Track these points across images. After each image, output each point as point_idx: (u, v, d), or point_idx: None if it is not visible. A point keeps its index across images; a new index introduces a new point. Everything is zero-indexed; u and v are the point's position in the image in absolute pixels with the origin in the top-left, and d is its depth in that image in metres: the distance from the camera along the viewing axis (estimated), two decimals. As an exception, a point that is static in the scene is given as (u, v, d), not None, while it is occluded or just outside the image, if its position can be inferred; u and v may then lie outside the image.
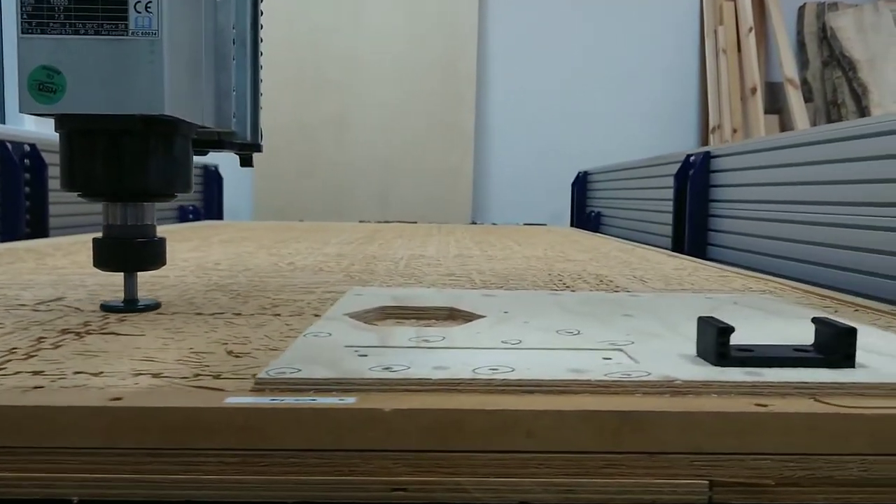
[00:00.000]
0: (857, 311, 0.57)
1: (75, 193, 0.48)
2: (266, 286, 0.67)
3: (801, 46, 2.78)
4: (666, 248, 1.44)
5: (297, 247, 1.14)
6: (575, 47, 2.90)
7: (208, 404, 0.29)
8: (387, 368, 0.32)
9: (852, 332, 0.33)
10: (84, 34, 0.42)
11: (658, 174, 1.58)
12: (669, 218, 1.44)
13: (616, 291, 0.65)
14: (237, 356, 0.38)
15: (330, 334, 0.40)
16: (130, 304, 0.51)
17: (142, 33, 0.42)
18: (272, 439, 0.28)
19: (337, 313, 0.47)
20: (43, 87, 0.42)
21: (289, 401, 0.29)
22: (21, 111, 0.43)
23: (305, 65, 2.78)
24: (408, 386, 0.31)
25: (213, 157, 2.62)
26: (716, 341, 0.33)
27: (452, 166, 2.79)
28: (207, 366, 0.36)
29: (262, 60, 0.58)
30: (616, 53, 2.89)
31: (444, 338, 0.40)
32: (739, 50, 2.68)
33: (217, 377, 0.34)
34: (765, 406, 0.29)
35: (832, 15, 2.69)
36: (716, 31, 2.73)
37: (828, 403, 0.30)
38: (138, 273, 0.52)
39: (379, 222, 2.34)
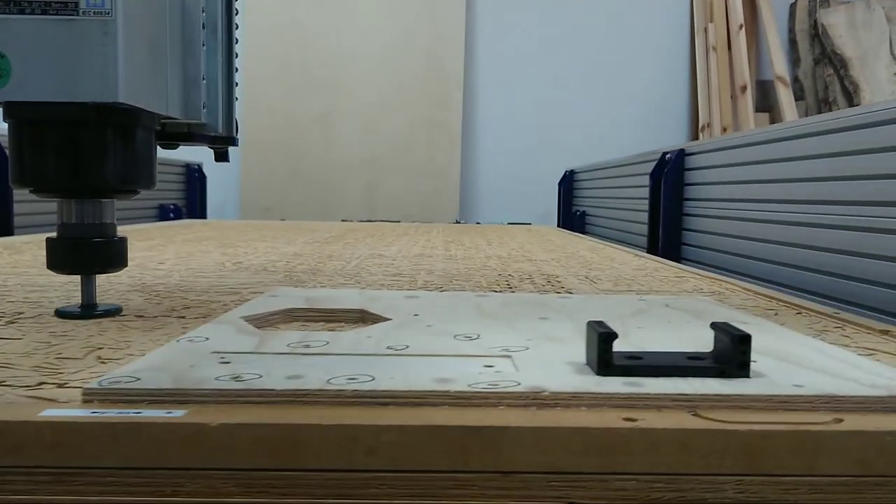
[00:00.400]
0: (798, 314, 0.54)
1: (26, 190, 0.44)
2: (194, 287, 0.64)
3: (792, 44, 2.75)
4: (643, 248, 1.42)
5: (258, 245, 1.12)
6: (564, 45, 2.87)
7: (19, 417, 0.26)
8: (235, 378, 0.30)
9: (746, 340, 0.31)
10: (30, 13, 0.38)
11: (636, 172, 1.55)
12: (647, 217, 1.41)
13: (557, 293, 0.62)
14: (103, 362, 0.36)
15: (207, 339, 0.38)
16: (88, 310, 0.47)
17: (94, 13, 0.38)
18: (87, 456, 0.26)
19: (234, 316, 0.44)
20: None
21: (110, 414, 0.26)
22: None
23: (291, 62, 2.75)
24: (249, 397, 0.28)
25: (196, 156, 2.59)
26: (598, 348, 0.31)
27: (440, 165, 2.77)
28: (61, 373, 0.33)
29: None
30: (606, 51, 2.86)
31: (327, 343, 0.37)
32: (730, 48, 2.65)
33: (62, 386, 0.31)
34: (633, 421, 0.27)
35: (824, 12, 2.66)
36: (706, 29, 2.70)
37: (705, 418, 0.27)
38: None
39: (362, 221, 2.32)
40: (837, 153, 0.83)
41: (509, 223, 2.30)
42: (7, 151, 1.18)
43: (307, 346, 0.36)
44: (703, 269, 1.18)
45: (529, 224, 2.24)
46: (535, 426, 0.26)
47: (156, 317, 0.49)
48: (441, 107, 2.76)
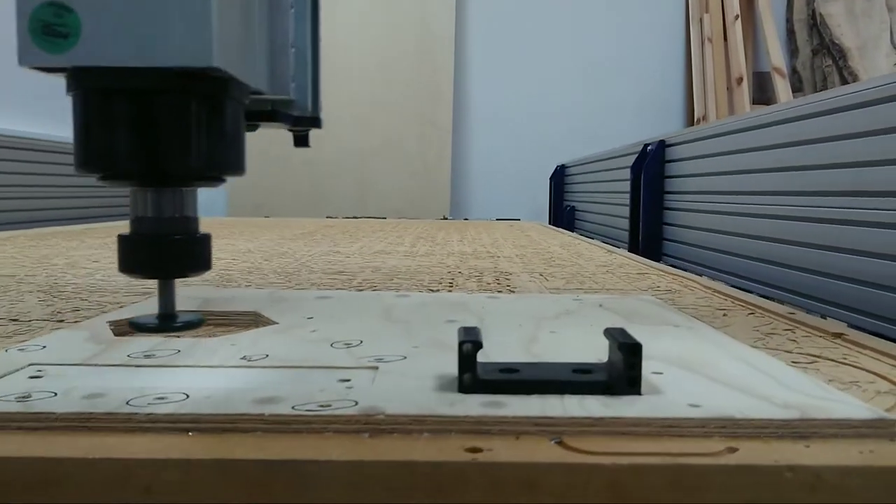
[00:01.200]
0: (751, 314, 0.49)
1: (94, 176, 0.36)
2: (106, 287, 0.60)
3: (790, 34, 2.68)
4: (626, 244, 1.37)
5: (217, 243, 1.06)
6: (557, 37, 2.81)
7: None
8: (23, 397, 0.25)
9: (636, 350, 0.26)
10: None
11: (619, 166, 1.50)
12: (628, 212, 1.36)
13: (499, 291, 0.58)
14: (-83, 375, 0.31)
15: (44, 347, 0.33)
16: (166, 322, 0.38)
17: None
18: None
19: (101, 320, 0.40)
20: (50, 30, 0.30)
21: None
22: (21, 63, 0.31)
23: (278, 57, 2.70)
24: (24, 422, 0.23)
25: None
26: (459, 360, 0.26)
27: (430, 161, 2.71)
28: None
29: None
30: (599, 43, 2.80)
31: (178, 352, 0.32)
32: (725, 38, 2.59)
33: None
34: (477, 452, 0.22)
35: (822, 1, 2.59)
36: (701, 20, 2.63)
37: (569, 448, 0.22)
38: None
39: (347, 218, 2.27)
40: (829, 138, 0.77)
41: (497, 219, 2.25)
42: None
43: (150, 357, 0.31)
44: (683, 266, 1.13)
45: (518, 220, 2.19)
46: (352, 459, 0.21)
47: (31, 321, 0.44)
48: (431, 102, 2.71)
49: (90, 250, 0.92)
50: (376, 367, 0.30)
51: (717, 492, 0.21)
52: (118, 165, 0.34)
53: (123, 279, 0.64)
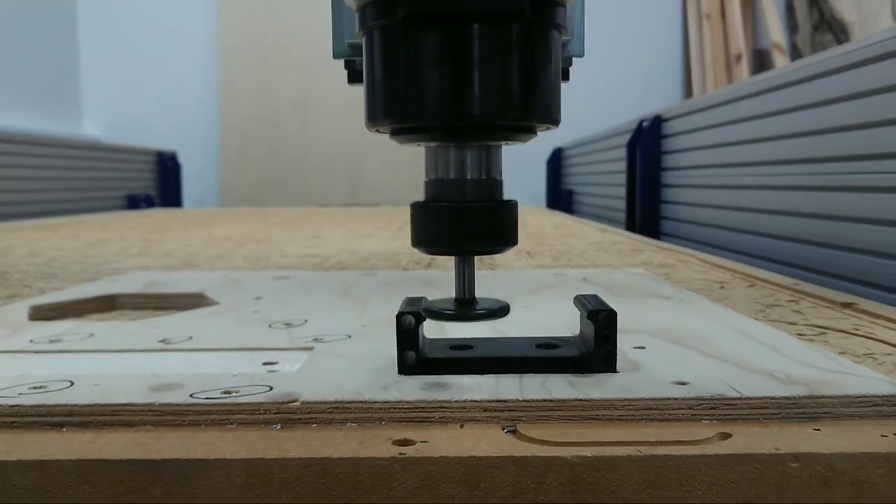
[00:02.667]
0: (750, 286, 0.45)
1: (385, 131, 0.31)
2: (54, 274, 0.55)
3: (789, 10, 2.62)
4: (623, 225, 1.32)
5: (193, 231, 1.03)
6: (552, 19, 2.75)
7: None
8: None
9: (609, 320, 0.22)
10: None
11: (615, 145, 1.45)
12: (625, 191, 1.31)
13: (478, 269, 0.53)
14: None
15: (-63, 335, 0.29)
16: (465, 308, 0.30)
17: None
18: None
19: (24, 304, 0.35)
20: None
21: None
22: None
23: (267, 45, 2.65)
24: None
25: (171, 144, 2.51)
26: (398, 336, 0.22)
27: (423, 149, 2.66)
28: None
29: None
30: (595, 23, 2.74)
31: (91, 335, 0.28)
32: (724, 16, 2.53)
33: None
34: (408, 444, 0.18)
35: (822, -25, 2.52)
36: (698, -3, 2.57)
37: (525, 438, 0.18)
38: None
39: (342, 206, 2.23)
40: (831, 100, 0.73)
41: (493, 205, 2.20)
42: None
43: (55, 342, 0.27)
44: (683, 245, 1.09)
45: (514, 205, 2.14)
46: (250, 458, 0.17)
47: (-45, 308, 0.40)
48: (424, 86, 2.65)
49: (60, 240, 0.88)
50: (311, 348, 0.26)
51: (704, 488, 0.17)
52: (428, 114, 0.28)
53: (77, 266, 0.60)
